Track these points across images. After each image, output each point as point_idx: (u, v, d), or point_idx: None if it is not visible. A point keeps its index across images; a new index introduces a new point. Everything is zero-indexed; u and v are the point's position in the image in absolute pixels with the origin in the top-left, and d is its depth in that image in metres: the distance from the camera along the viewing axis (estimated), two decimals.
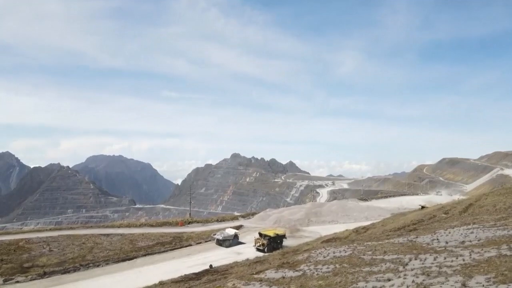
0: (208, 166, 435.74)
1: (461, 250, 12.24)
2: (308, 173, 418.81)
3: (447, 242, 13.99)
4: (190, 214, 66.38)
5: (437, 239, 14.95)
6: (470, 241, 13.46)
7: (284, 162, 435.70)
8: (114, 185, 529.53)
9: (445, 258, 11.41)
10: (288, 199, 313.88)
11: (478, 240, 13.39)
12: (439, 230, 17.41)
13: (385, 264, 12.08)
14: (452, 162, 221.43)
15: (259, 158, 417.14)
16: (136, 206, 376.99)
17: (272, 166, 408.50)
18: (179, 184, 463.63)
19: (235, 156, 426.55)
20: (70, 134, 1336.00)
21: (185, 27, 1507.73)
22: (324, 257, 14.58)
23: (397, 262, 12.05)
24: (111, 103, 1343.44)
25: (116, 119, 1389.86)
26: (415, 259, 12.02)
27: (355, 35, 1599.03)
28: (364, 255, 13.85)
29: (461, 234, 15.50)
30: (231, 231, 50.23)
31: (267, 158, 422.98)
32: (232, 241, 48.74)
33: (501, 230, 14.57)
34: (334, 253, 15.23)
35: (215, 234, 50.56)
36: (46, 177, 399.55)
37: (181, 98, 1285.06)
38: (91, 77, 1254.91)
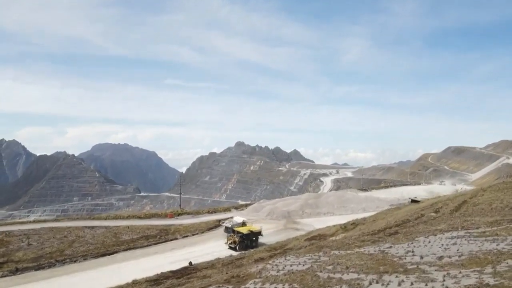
0: (212, 154, 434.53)
1: (435, 270, 9.85)
2: (312, 161, 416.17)
3: (422, 257, 11.58)
4: (180, 205, 64.40)
5: (413, 251, 12.53)
6: (450, 257, 11.04)
7: (288, 151, 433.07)
8: (119, 173, 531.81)
9: (412, 284, 9.03)
10: (292, 188, 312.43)
11: (459, 256, 10.95)
12: (419, 238, 14.94)
13: (340, 287, 9.73)
14: (457, 151, 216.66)
15: (263, 146, 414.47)
16: (141, 194, 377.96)
17: (277, 155, 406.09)
18: (184, 172, 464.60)
19: (239, 144, 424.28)
20: (76, 123, 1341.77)
21: (189, 14, 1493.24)
22: (278, 272, 12.32)
23: (354, 285, 9.70)
24: (116, 91, 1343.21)
25: (121, 107, 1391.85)
26: (377, 282, 9.66)
27: (361, 21, 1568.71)
28: (322, 271, 11.52)
29: (442, 244, 13.06)
30: (239, 219, 50.70)
31: (272, 146, 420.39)
32: None
33: (490, 241, 12.10)
34: (291, 265, 12.93)
35: (223, 222, 51.75)
36: (52, 165, 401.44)
37: (185, 86, 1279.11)
38: (95, 65, 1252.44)
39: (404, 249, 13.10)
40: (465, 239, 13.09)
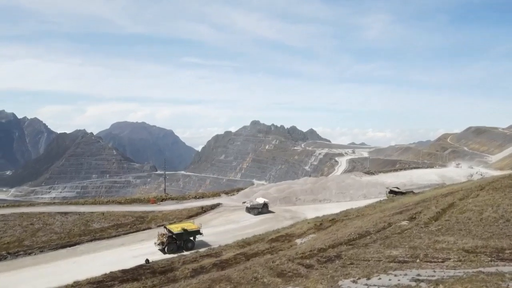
0: (227, 133, 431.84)
1: None
2: (329, 140, 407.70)
3: None
4: (165, 190, 60.82)
5: None
6: None
7: (304, 130, 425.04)
8: (137, 152, 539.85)
9: None
10: (306, 168, 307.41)
11: None
12: (346, 280, 10.10)
13: None
14: (478, 131, 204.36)
15: (279, 125, 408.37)
16: (157, 172, 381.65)
17: (292, 134, 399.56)
18: (200, 151, 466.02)
19: (254, 123, 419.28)
20: (95, 101, 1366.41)
21: None
22: None
23: None
24: (134, 69, 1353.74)
25: (139, 85, 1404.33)
26: None
27: None
28: None
29: None
30: (261, 200, 51.63)
31: (288, 125, 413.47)
32: (262, 210, 50.01)
33: None
34: None
35: (244, 202, 52.65)
36: (71, 143, 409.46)
37: (203, 64, 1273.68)
38: (115, 43, 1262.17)
39: None
40: None
